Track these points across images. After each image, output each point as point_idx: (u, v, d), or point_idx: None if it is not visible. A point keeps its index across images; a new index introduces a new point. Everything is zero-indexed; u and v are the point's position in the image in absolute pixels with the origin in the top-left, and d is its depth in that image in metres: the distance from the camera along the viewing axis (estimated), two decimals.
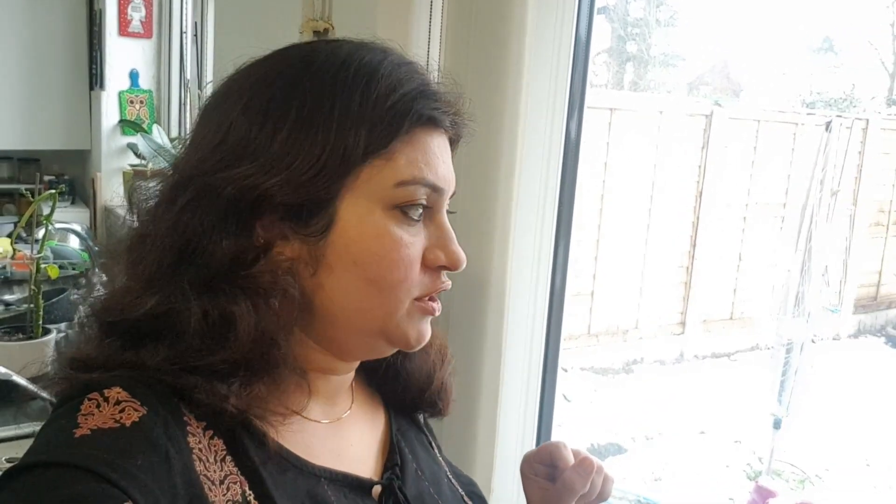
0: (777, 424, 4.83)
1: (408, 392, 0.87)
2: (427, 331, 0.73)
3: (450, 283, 0.73)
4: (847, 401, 6.30)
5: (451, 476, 0.89)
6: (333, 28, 1.43)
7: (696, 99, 8.75)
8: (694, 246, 6.93)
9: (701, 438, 5.48)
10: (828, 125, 4.65)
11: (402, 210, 0.68)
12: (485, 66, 1.08)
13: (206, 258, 0.64)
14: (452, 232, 0.72)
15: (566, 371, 6.27)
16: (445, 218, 0.72)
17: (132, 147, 4.14)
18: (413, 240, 0.68)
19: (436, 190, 0.70)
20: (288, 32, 1.52)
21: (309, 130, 0.65)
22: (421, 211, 0.69)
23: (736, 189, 7.22)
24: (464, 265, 0.71)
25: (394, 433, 0.84)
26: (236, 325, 0.63)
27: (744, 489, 4.75)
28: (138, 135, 3.93)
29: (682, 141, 6.80)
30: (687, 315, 7.03)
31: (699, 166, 6.90)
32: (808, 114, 5.02)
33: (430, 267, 0.71)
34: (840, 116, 4.74)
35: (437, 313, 0.73)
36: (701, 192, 6.90)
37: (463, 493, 0.88)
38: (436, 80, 0.74)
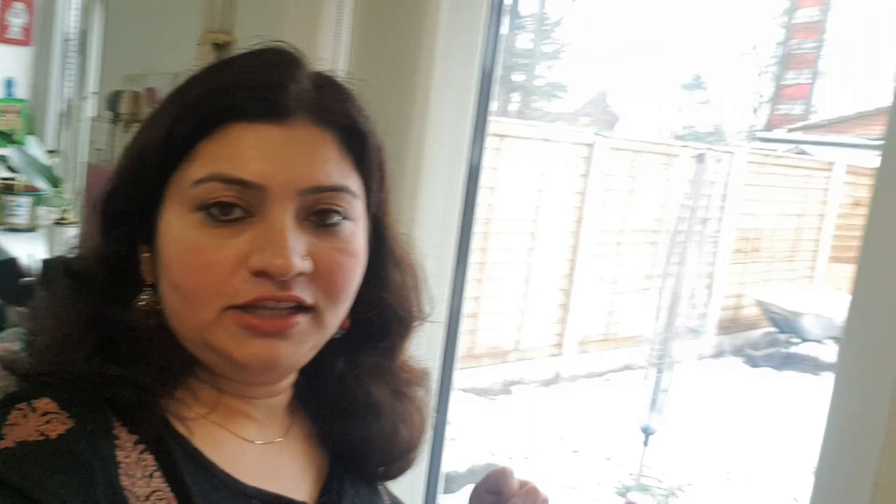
0: (646, 441, 5.06)
1: (358, 450, 0.80)
2: (266, 352, 0.65)
3: (291, 293, 0.64)
4: (709, 417, 6.68)
5: None
6: (235, 41, 1.40)
7: (579, 128, 9.10)
8: (573, 269, 7.18)
9: (574, 457, 5.65)
10: (700, 157, 4.96)
11: (206, 211, 0.64)
12: (392, 93, 1.09)
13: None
14: (284, 234, 0.63)
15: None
16: (279, 219, 0.64)
17: (4, 159, 3.90)
18: (221, 243, 0.64)
19: (246, 185, 0.64)
20: (186, 45, 1.47)
21: (134, 140, 0.69)
22: (237, 211, 0.64)
23: (613, 215, 7.55)
24: (289, 271, 0.63)
25: (332, 470, 0.80)
26: (139, 333, 0.66)
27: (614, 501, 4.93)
28: (11, 147, 3.73)
29: (565, 168, 7.06)
30: (564, 336, 7.27)
31: (580, 193, 7.18)
32: (683, 146, 5.33)
33: (252, 272, 0.64)
34: (711, 149, 5.07)
35: (269, 328, 0.65)
36: (581, 218, 7.17)
37: None
38: (296, 69, 0.69)
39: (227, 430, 0.70)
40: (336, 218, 0.67)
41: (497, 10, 1.27)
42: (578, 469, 5.43)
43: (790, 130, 19.65)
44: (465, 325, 6.72)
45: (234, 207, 0.64)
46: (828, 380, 8.26)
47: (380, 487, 0.85)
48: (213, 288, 0.64)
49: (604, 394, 7.09)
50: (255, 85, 0.67)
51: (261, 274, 0.63)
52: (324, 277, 0.66)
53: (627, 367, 7.73)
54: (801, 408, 7.33)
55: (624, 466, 5.54)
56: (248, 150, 0.65)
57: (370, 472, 0.82)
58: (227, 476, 0.67)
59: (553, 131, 7.19)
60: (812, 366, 8.79)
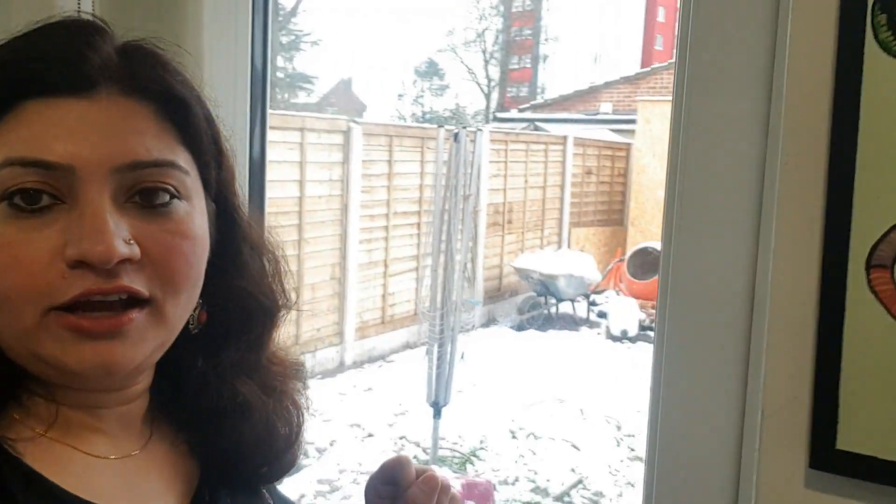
0: (437, 414, 5.20)
1: (231, 454, 0.72)
2: (100, 356, 0.58)
3: (119, 283, 0.57)
4: (493, 381, 7.03)
5: None
6: None
7: (331, 116, 9.06)
8: (344, 258, 7.16)
9: (369, 441, 5.67)
10: (456, 136, 5.15)
11: (9, 201, 0.57)
12: None
13: None
14: (100, 218, 0.57)
15: None
16: (94, 202, 0.57)
17: None
18: (30, 236, 0.57)
19: (50, 168, 0.57)
20: None
21: None
22: (45, 198, 0.57)
23: (377, 200, 7.64)
24: (111, 257, 0.56)
25: (203, 479, 0.72)
26: None
27: None
28: None
29: (323, 157, 6.99)
30: (344, 324, 7.24)
31: (342, 181, 7.16)
32: (437, 127, 5.49)
33: (69, 264, 0.57)
34: (465, 128, 5.28)
35: (100, 329, 0.58)
36: (346, 206, 7.16)
37: None
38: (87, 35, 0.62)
39: (72, 447, 0.62)
40: (165, 197, 0.61)
41: (263, 6, 1.22)
42: (373, 453, 5.44)
43: (521, 110, 21.25)
44: None
45: (41, 195, 0.57)
46: (586, 334, 9.03)
47: (264, 490, 0.79)
48: (28, 288, 0.56)
49: (390, 375, 7.18)
50: (52, 56, 0.59)
51: (80, 265, 0.56)
52: (158, 264, 0.60)
53: (408, 346, 7.90)
54: (568, 361, 7.97)
55: (419, 443, 5.66)
56: (50, 129, 0.58)
57: (249, 475, 0.75)
58: (75, 499, 0.59)
59: (307, 121, 7.08)
60: (570, 322, 9.60)
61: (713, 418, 0.87)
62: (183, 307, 0.63)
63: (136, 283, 0.58)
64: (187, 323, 0.66)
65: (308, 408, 0.79)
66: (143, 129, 0.61)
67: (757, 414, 0.83)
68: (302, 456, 0.81)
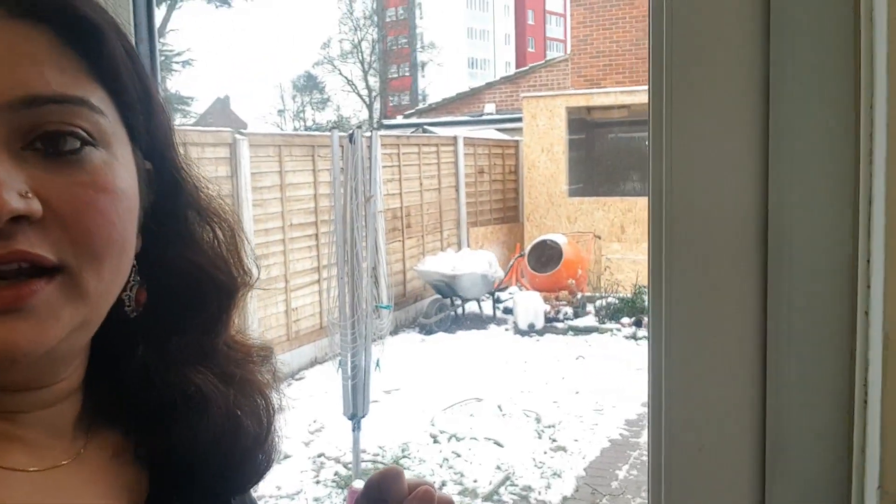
0: (356, 427, 5.00)
1: (187, 458, 0.60)
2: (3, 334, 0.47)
3: (15, 247, 0.46)
4: (408, 388, 6.89)
5: None
6: None
7: (214, 129, 8.68)
8: None
9: (286, 463, 5.40)
10: (350, 136, 4.97)
11: None
12: None
13: None
14: None
15: None
16: None
17: None
18: None
19: None
20: None
21: None
22: None
23: (271, 214, 7.34)
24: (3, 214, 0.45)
25: (154, 495, 0.60)
26: None
27: (339, 499, 4.80)
28: None
29: (209, 172, 6.65)
30: None
31: (232, 196, 6.83)
32: (333, 128, 5.30)
33: None
34: (360, 127, 5.12)
35: (9, 304, 0.46)
36: (238, 221, 6.84)
37: None
38: None
39: None
40: (74, 143, 0.50)
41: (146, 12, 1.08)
42: (292, 474, 5.19)
43: (406, 116, 21.23)
44: None
45: None
46: (494, 331, 9.03)
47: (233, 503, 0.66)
48: None
49: (300, 392, 6.90)
50: None
51: None
52: (68, 224, 0.49)
53: (317, 362, 7.63)
54: (480, 359, 7.92)
55: (339, 458, 5.44)
56: None
57: (212, 483, 0.63)
58: None
59: (189, 135, 6.71)
60: (478, 321, 9.57)
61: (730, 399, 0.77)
62: (108, 280, 0.52)
63: (39, 247, 0.47)
64: (123, 304, 0.56)
65: (280, 399, 0.67)
66: (41, 58, 0.49)
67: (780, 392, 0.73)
68: (278, 456, 0.67)
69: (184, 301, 0.60)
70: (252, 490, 0.68)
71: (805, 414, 0.74)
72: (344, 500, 4.73)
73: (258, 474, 0.66)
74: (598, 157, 13.00)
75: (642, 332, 8.77)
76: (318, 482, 5.10)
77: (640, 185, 11.99)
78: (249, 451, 0.63)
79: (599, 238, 11.04)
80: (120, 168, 0.52)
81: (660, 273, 0.78)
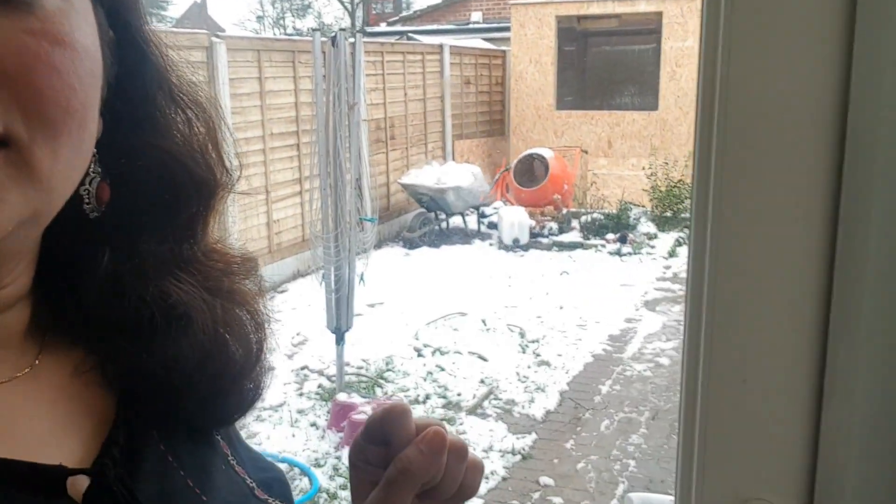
0: (339, 340, 4.94)
1: (164, 381, 0.53)
2: None
3: None
4: (393, 302, 6.84)
5: (234, 464, 0.60)
6: None
7: (190, 31, 8.29)
8: None
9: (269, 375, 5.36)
10: (333, 39, 4.72)
11: None
12: None
13: None
14: None
15: None
16: None
17: None
18: None
19: None
20: None
21: None
22: None
23: (251, 122, 7.09)
24: None
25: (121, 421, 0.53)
26: None
27: (323, 411, 4.78)
28: None
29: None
30: None
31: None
32: (315, 30, 5.03)
33: None
34: (343, 30, 4.86)
35: None
36: (219, 113, 6.59)
37: (254, 483, 0.60)
38: None
39: None
40: None
41: None
42: (274, 386, 5.16)
43: (390, 24, 20.55)
44: None
45: None
46: (478, 246, 8.94)
47: (218, 437, 0.60)
48: None
49: (283, 305, 6.84)
50: None
51: None
52: (17, 83, 0.39)
53: (299, 275, 7.54)
54: (463, 274, 7.87)
55: (322, 371, 5.41)
56: None
57: (192, 412, 0.56)
58: None
59: (163, 36, 6.38)
60: (462, 236, 9.48)
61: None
62: (65, 161, 0.43)
63: None
64: (83, 200, 0.48)
65: (269, 317, 0.60)
66: None
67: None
68: (268, 384, 0.59)
69: (156, 199, 0.52)
70: (237, 422, 0.61)
71: (874, 346, 0.63)
72: (328, 412, 4.71)
73: (246, 404, 0.59)
74: (589, 69, 12.68)
75: (626, 249, 8.74)
76: (301, 395, 5.08)
77: (632, 100, 11.75)
78: (238, 377, 0.56)
79: (586, 153, 10.88)
80: (79, 18, 0.43)
81: (707, 175, 0.65)
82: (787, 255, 0.64)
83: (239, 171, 0.59)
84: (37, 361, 0.51)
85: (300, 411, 4.82)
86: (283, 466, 4.29)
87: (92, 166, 0.48)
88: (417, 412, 4.79)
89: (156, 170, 0.52)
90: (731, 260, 0.66)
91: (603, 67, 12.58)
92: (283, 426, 4.63)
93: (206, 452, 0.58)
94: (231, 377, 0.56)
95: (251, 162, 7.06)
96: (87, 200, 0.49)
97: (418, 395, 5.06)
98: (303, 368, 5.50)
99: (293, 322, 6.30)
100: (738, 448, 0.70)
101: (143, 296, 0.52)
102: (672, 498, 0.78)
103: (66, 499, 0.47)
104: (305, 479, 4.07)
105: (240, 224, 6.97)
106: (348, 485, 0.57)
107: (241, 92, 6.96)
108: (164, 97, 0.53)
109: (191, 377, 0.54)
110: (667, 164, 9.97)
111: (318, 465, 4.19)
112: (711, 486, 0.71)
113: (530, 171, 10.00)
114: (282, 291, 7.31)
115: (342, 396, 4.67)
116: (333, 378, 5.16)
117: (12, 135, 0.39)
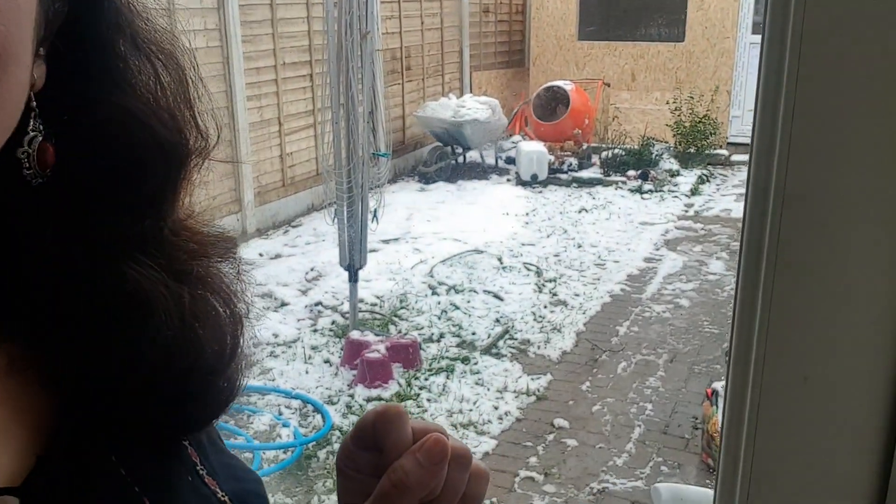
0: (353, 277, 4.87)
1: (121, 382, 0.46)
2: None
3: None
4: (408, 238, 6.76)
5: (203, 475, 0.53)
6: None
7: None
8: (233, 118, 6.50)
9: (284, 311, 5.34)
10: None
11: None
12: None
13: None
14: None
15: None
16: None
17: None
18: None
19: None
20: None
21: None
22: None
23: (263, 51, 6.89)
24: None
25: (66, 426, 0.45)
26: None
27: (336, 348, 4.75)
28: None
29: (194, 2, 6.16)
30: (241, 190, 6.69)
31: (219, 30, 6.37)
32: None
33: None
34: None
35: None
36: (228, 59, 6.41)
37: (226, 496, 0.53)
38: None
39: None
40: None
41: None
42: (288, 322, 5.13)
43: None
44: None
45: None
46: (496, 181, 8.78)
47: (186, 444, 0.52)
48: None
49: (297, 240, 6.77)
50: None
51: None
52: None
53: (313, 209, 7.45)
54: (480, 210, 7.75)
55: (336, 307, 5.37)
56: None
57: (155, 419, 0.48)
58: None
59: None
60: (479, 171, 9.32)
61: None
62: None
63: None
64: (21, 165, 0.41)
65: (248, 306, 0.52)
66: None
67: None
68: (243, 382, 0.52)
69: (113, 165, 0.44)
70: (210, 425, 0.54)
71: None
72: (341, 349, 4.68)
73: (218, 407, 0.51)
74: None
75: (648, 186, 8.55)
76: (315, 331, 5.05)
77: (658, 31, 11.32)
78: (208, 376, 0.49)
79: (608, 86, 10.57)
80: None
81: (772, 138, 0.53)
82: (860, 232, 0.52)
83: (217, 131, 0.50)
84: None
85: (314, 347, 4.80)
86: (295, 403, 4.30)
87: (31, 123, 0.41)
88: (431, 351, 4.75)
89: (113, 130, 0.44)
90: (798, 243, 0.54)
91: None
92: (297, 362, 4.61)
93: (169, 463, 0.50)
94: (201, 377, 0.49)
95: (263, 93, 6.89)
96: (26, 165, 0.41)
97: (432, 334, 5.01)
98: (317, 304, 5.45)
99: (307, 257, 6.24)
100: (795, 456, 0.59)
101: (94, 281, 0.44)
102: (698, 489, 0.68)
103: None
104: (318, 417, 4.06)
105: (254, 156, 6.86)
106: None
107: (252, 19, 6.74)
108: (127, 43, 0.45)
109: (152, 378, 0.46)
110: (692, 98, 9.67)
111: (331, 403, 4.17)
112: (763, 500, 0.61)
113: (550, 104, 9.75)
114: (296, 226, 7.23)
115: (355, 334, 4.63)
116: (347, 315, 5.12)
117: None
